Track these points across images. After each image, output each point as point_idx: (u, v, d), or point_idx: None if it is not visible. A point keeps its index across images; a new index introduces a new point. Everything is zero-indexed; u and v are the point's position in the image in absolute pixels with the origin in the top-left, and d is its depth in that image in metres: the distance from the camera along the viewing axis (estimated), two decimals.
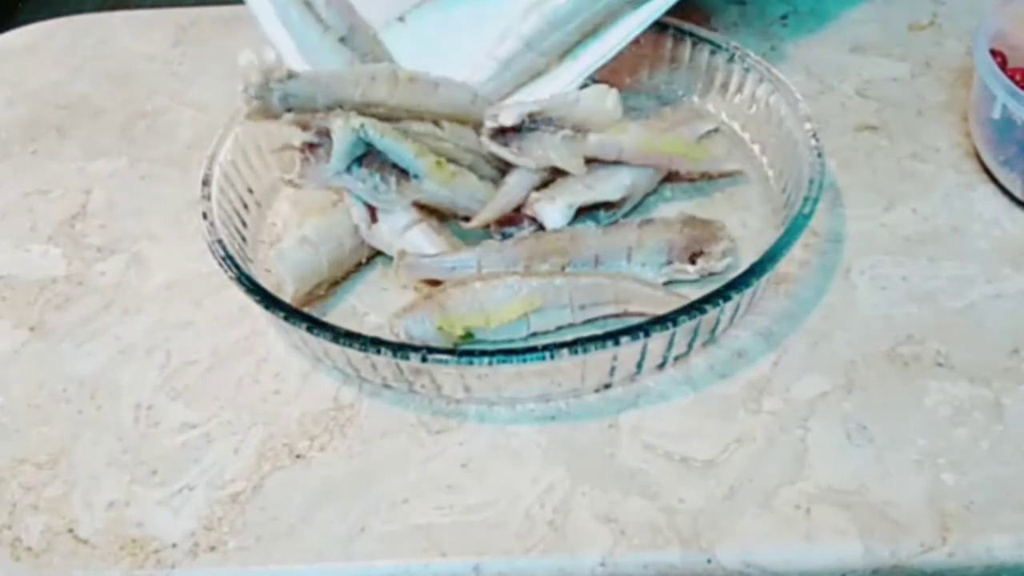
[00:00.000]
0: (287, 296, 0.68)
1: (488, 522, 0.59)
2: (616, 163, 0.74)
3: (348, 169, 0.69)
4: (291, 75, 0.68)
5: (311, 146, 0.69)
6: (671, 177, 0.77)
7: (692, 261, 0.70)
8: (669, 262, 0.70)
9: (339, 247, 0.71)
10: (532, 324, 0.67)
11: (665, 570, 0.58)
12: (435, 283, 0.70)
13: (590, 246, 0.70)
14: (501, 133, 0.72)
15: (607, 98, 0.74)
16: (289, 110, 0.69)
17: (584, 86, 0.76)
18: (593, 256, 0.70)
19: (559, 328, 0.68)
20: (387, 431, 0.64)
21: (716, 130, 0.79)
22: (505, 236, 0.72)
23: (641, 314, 0.66)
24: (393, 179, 0.71)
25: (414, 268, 0.70)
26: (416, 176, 0.70)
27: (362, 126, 0.68)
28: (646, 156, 0.75)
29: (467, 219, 0.73)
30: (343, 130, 0.68)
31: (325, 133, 0.69)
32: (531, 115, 0.72)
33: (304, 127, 0.70)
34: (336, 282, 0.72)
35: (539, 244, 0.70)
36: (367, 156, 0.70)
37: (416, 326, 0.65)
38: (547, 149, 0.73)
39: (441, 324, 0.65)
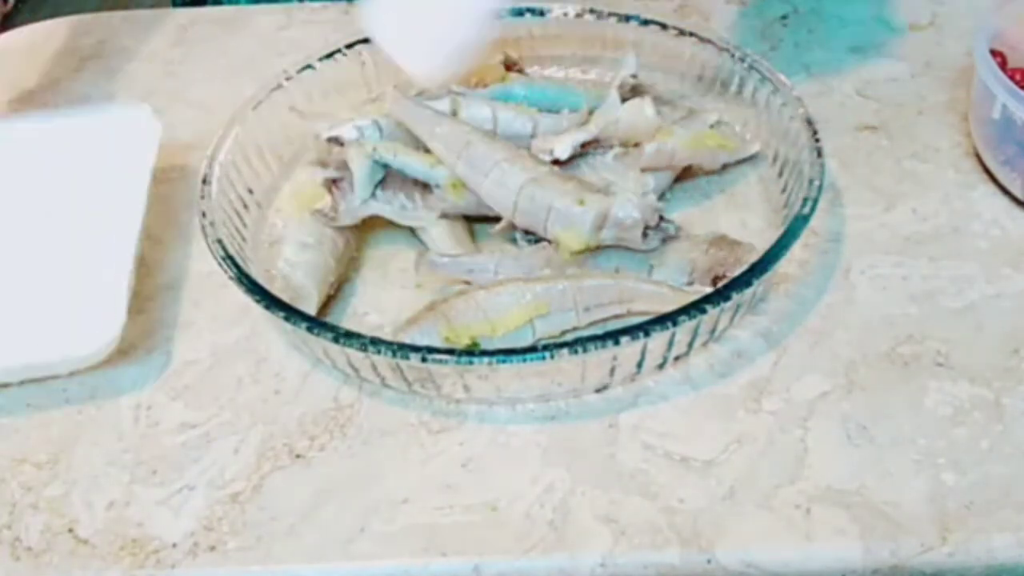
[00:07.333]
0: (310, 303, 0.68)
1: (488, 522, 0.59)
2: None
3: (374, 195, 0.71)
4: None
5: (335, 182, 0.71)
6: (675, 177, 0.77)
7: (713, 283, 0.69)
8: (690, 282, 0.70)
9: (334, 242, 0.72)
10: (538, 330, 0.67)
11: (665, 570, 0.58)
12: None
13: (610, 259, 0.70)
14: (553, 163, 0.73)
15: (645, 108, 0.75)
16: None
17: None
18: (613, 269, 0.70)
19: (564, 333, 0.68)
20: (387, 431, 0.64)
21: (719, 121, 0.79)
22: (531, 241, 0.72)
23: (646, 313, 0.66)
24: (417, 194, 0.72)
25: (433, 267, 0.70)
26: (438, 186, 0.72)
27: (375, 149, 0.71)
28: (694, 154, 0.76)
29: (496, 219, 0.73)
30: (359, 157, 0.70)
31: (344, 164, 0.71)
32: (583, 144, 0.73)
33: (324, 164, 0.72)
34: (342, 279, 0.72)
35: (557, 254, 0.70)
36: (388, 178, 0.72)
37: (422, 338, 0.65)
38: (601, 171, 0.74)
39: (447, 335, 0.65)
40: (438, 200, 0.72)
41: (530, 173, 0.70)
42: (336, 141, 0.74)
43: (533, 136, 0.75)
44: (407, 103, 0.74)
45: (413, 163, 0.72)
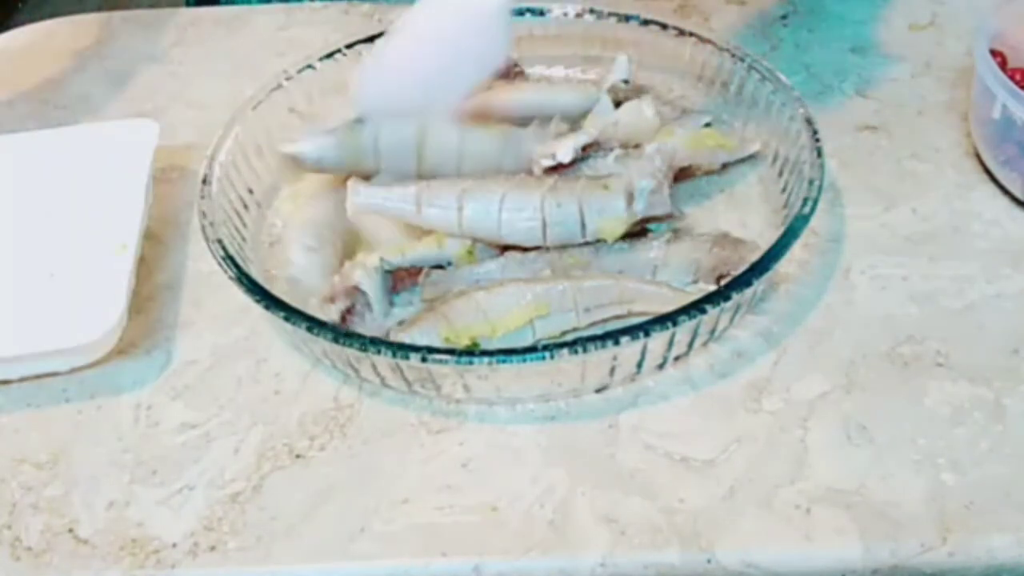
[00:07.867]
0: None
1: (488, 522, 0.59)
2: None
3: (391, 303, 0.70)
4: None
5: (348, 311, 0.68)
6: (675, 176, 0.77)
7: (718, 282, 0.69)
8: (695, 281, 0.70)
9: (335, 245, 0.72)
10: (538, 331, 0.67)
11: (665, 570, 0.58)
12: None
13: (614, 261, 0.70)
14: (554, 169, 0.72)
15: (644, 108, 0.75)
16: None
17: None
18: (617, 271, 0.70)
19: (564, 333, 0.68)
20: (387, 431, 0.64)
21: (715, 120, 0.79)
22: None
23: (647, 313, 0.66)
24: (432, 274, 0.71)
25: (439, 284, 0.70)
26: (450, 263, 0.71)
27: (382, 260, 0.69)
28: (695, 154, 0.76)
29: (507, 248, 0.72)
30: (371, 277, 0.68)
31: (353, 290, 0.68)
32: (583, 147, 0.73)
33: (331, 300, 0.68)
34: None
35: (561, 257, 0.70)
36: (396, 280, 0.70)
37: (422, 338, 0.65)
38: (603, 173, 0.73)
39: (447, 335, 0.65)
40: (454, 269, 0.71)
41: (541, 188, 0.70)
42: (295, 159, 0.72)
43: (504, 154, 0.74)
44: (370, 195, 0.71)
45: (422, 252, 0.70)
